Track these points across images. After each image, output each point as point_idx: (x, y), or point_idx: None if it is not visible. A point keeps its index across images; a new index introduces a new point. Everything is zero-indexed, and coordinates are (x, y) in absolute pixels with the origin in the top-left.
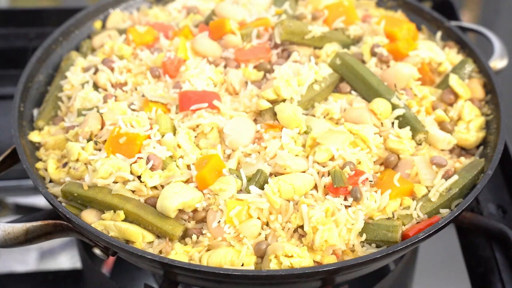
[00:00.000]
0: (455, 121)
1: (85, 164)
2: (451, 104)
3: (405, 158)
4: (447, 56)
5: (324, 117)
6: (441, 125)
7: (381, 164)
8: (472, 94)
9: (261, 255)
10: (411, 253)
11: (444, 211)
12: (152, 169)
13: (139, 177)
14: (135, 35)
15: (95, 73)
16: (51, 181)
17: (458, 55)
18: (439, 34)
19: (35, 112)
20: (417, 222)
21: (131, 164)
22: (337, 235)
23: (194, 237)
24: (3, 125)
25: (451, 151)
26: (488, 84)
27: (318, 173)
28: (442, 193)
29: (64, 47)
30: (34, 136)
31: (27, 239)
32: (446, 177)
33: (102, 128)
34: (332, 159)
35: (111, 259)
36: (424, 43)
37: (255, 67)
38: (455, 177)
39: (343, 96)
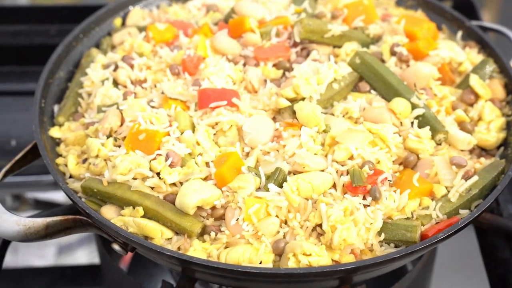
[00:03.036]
0: (475, 122)
1: (105, 160)
2: (471, 104)
3: (425, 158)
4: (468, 56)
5: (343, 116)
6: (461, 125)
7: (400, 164)
8: (492, 94)
9: (279, 253)
10: (429, 253)
11: (464, 212)
12: (171, 166)
13: (158, 174)
14: (155, 32)
15: (115, 70)
16: (71, 176)
17: (478, 55)
18: (459, 33)
19: (56, 108)
20: (436, 223)
21: (150, 161)
22: (356, 234)
23: (213, 234)
24: (25, 121)
25: (471, 151)
26: (509, 84)
27: (337, 172)
28: (461, 194)
29: (85, 44)
30: (54, 132)
31: (47, 233)
32: (466, 177)
33: (121, 124)
34: (351, 158)
35: (129, 255)
36: (444, 43)
37: (274, 65)
38: (475, 178)
39: (362, 95)
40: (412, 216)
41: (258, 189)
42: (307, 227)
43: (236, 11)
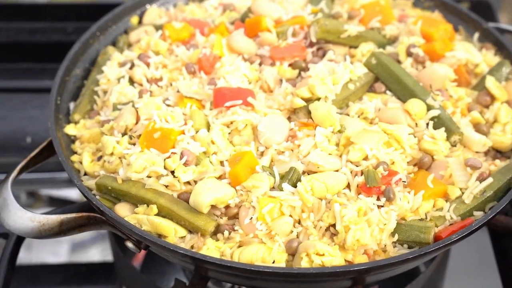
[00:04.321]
0: (491, 123)
1: (120, 158)
2: (487, 106)
3: (439, 159)
4: (484, 58)
5: (358, 117)
6: (477, 127)
7: (414, 165)
8: (508, 96)
9: (292, 253)
10: (443, 255)
11: (478, 214)
12: (185, 164)
13: (172, 172)
14: (171, 31)
15: (131, 68)
16: (85, 174)
17: (495, 56)
18: (476, 35)
19: (72, 105)
20: (450, 224)
21: (165, 159)
22: (369, 235)
23: (226, 233)
24: (40, 118)
25: (486, 153)
26: None
27: (351, 172)
28: (476, 196)
29: (101, 41)
30: (70, 129)
31: (61, 230)
32: (481, 179)
33: (137, 122)
34: (366, 158)
35: (142, 253)
36: (461, 44)
37: (290, 65)
38: (490, 180)
39: (377, 95)
40: (426, 217)
41: (272, 188)
42: (321, 227)
43: (253, 11)
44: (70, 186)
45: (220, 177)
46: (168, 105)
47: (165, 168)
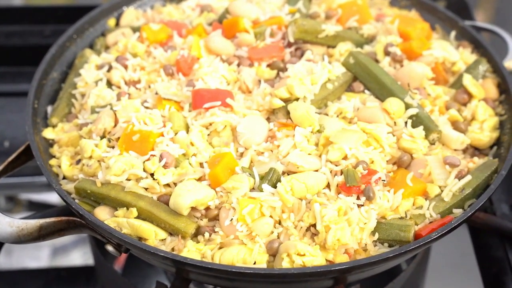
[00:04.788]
0: (468, 121)
1: (98, 161)
2: (464, 104)
3: (418, 157)
4: (461, 56)
5: (337, 116)
6: (455, 125)
7: (394, 164)
8: (486, 94)
9: (273, 254)
10: (424, 253)
11: (457, 211)
12: (165, 166)
13: (152, 175)
14: (149, 33)
15: (108, 70)
16: (64, 178)
17: (472, 54)
18: (453, 33)
19: (49, 109)
20: (430, 222)
21: (144, 162)
22: (350, 234)
23: (207, 234)
24: (18, 122)
25: (464, 151)
26: (502, 84)
27: (331, 172)
28: (455, 193)
29: (78, 44)
30: (48, 133)
31: (41, 235)
32: (460, 177)
33: (115, 125)
34: (345, 158)
35: (123, 256)
36: (438, 43)
37: (268, 65)
38: (469, 177)
39: (356, 95)
40: (406, 216)
41: (252, 189)
42: (301, 227)
43: (230, 11)
44: (50, 190)
45: (200, 179)
46: (147, 107)
47: (144, 170)
